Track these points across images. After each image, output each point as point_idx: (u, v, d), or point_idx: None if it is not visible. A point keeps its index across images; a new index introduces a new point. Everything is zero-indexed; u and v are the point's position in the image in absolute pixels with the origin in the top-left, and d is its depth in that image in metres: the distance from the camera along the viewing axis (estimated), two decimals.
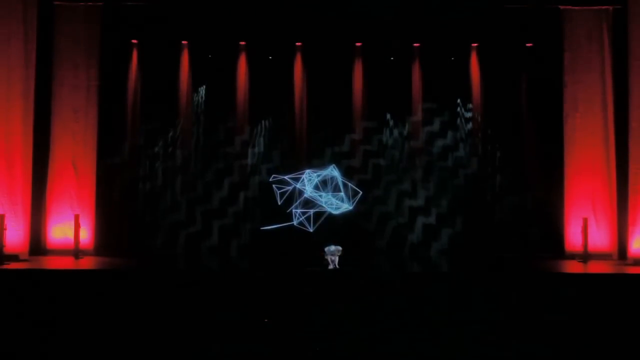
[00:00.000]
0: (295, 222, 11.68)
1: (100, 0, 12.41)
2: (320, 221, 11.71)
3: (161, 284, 10.01)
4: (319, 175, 11.73)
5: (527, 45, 12.84)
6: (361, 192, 11.91)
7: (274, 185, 11.87)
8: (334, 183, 11.77)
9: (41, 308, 9.38)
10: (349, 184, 11.93)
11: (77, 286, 9.85)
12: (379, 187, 12.91)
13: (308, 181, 11.71)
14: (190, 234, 12.66)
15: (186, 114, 13.01)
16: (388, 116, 13.05)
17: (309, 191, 11.68)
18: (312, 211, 11.67)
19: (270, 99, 12.94)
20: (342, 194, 11.76)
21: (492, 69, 12.96)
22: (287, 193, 11.75)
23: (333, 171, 11.82)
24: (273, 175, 11.98)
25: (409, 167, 13.00)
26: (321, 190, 11.67)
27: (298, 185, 11.71)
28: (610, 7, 12.37)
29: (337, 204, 11.71)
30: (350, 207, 11.79)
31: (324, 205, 11.66)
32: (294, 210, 11.66)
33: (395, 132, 13.09)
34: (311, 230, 11.63)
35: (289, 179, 11.77)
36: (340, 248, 10.72)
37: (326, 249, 10.74)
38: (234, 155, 12.96)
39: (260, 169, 12.92)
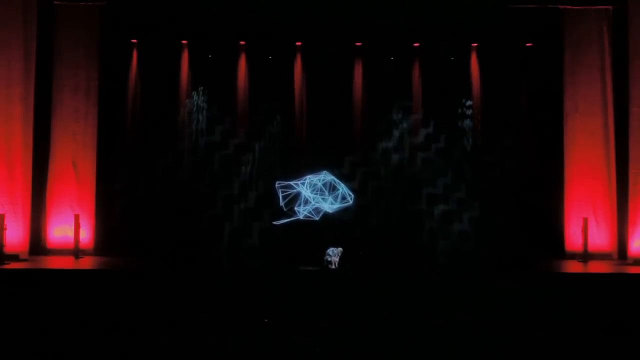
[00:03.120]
0: (301, 217, 11.81)
1: (101, 0, 12.42)
2: (319, 216, 11.86)
3: (161, 283, 10.02)
4: (319, 180, 11.87)
5: (527, 45, 12.85)
6: (353, 196, 12.02)
7: (279, 190, 11.96)
8: (331, 185, 11.91)
9: (41, 308, 9.39)
10: (343, 186, 12.01)
11: (77, 286, 9.85)
12: (379, 187, 12.96)
13: (308, 185, 11.86)
14: (191, 234, 12.65)
15: (186, 114, 13.01)
16: (388, 116, 13.08)
17: (308, 193, 11.84)
18: (310, 207, 11.81)
19: (270, 99, 12.95)
20: (340, 191, 11.90)
21: (492, 69, 12.97)
22: (290, 196, 11.90)
23: (327, 175, 11.95)
24: (277, 182, 12.05)
25: (408, 167, 13.03)
26: (321, 193, 11.86)
27: (299, 189, 11.86)
28: (610, 7, 12.36)
29: (332, 202, 11.87)
30: (349, 204, 11.94)
31: (321, 203, 11.82)
32: (296, 209, 11.82)
33: (396, 132, 13.11)
34: (317, 219, 11.80)
35: (292, 184, 11.91)
36: (341, 249, 10.82)
37: (328, 250, 10.80)
38: (232, 154, 12.97)
39: (260, 170, 12.94)
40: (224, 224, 12.75)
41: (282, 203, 12.00)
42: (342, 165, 12.73)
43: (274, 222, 12.13)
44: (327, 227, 12.10)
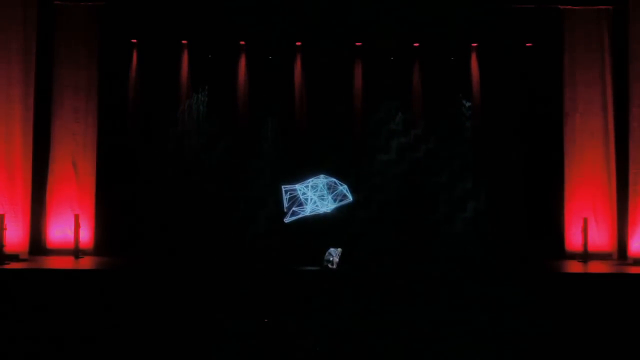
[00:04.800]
0: (307, 212, 11.91)
1: (101, 0, 12.42)
2: (319, 213, 11.94)
3: (160, 283, 10.02)
4: (319, 182, 11.92)
5: (527, 45, 12.85)
6: (351, 198, 12.03)
7: (285, 192, 11.99)
8: (331, 186, 11.95)
9: (41, 308, 9.39)
10: (344, 186, 12.03)
11: (77, 286, 9.86)
12: (378, 187, 12.97)
13: (309, 187, 11.92)
14: (191, 235, 12.65)
15: (186, 113, 13.02)
16: (387, 116, 13.09)
17: (310, 194, 11.90)
18: (312, 207, 11.86)
19: (270, 99, 12.96)
20: (339, 189, 11.93)
21: (492, 69, 12.97)
22: (294, 198, 11.95)
23: (326, 178, 11.99)
24: (283, 187, 12.06)
25: (406, 167, 13.05)
26: (321, 194, 11.91)
27: (302, 190, 11.90)
28: (610, 7, 12.36)
29: (332, 202, 11.91)
30: (350, 201, 12.01)
31: (322, 203, 11.88)
32: (298, 209, 11.87)
33: (394, 132, 13.12)
34: (321, 212, 11.87)
35: (296, 186, 11.96)
36: (340, 250, 10.84)
37: (330, 250, 10.83)
38: (232, 155, 12.97)
39: (259, 170, 12.95)
40: (225, 223, 12.75)
41: (286, 205, 12.03)
42: (341, 165, 12.72)
43: (285, 220, 12.13)
44: (328, 228, 12.12)
